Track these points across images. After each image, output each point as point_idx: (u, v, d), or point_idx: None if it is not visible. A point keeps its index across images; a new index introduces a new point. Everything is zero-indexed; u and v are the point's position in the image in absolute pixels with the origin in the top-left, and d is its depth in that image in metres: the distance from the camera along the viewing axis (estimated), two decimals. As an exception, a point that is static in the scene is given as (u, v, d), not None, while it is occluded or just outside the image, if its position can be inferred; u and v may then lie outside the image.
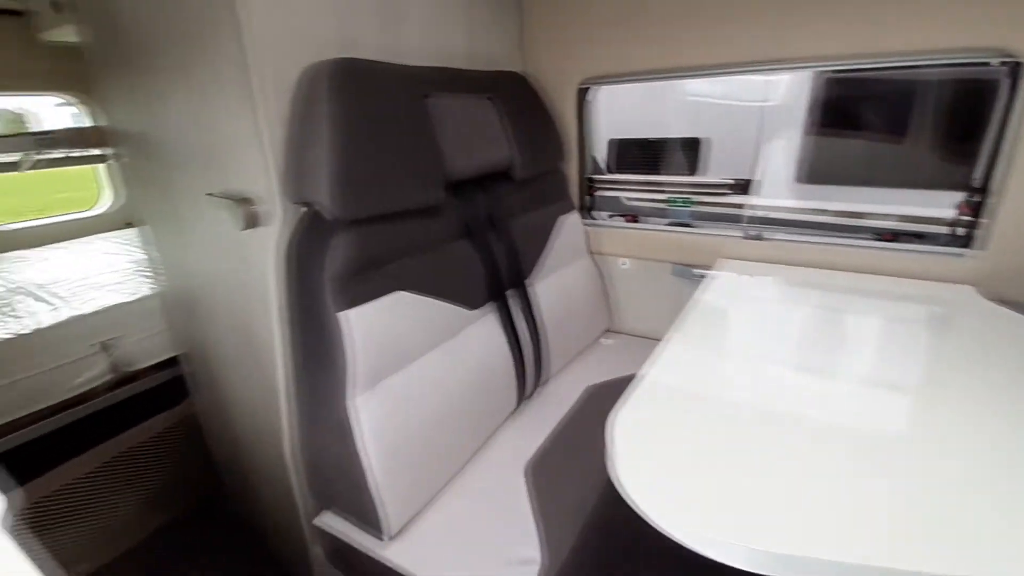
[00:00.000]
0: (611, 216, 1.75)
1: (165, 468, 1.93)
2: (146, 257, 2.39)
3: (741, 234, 1.52)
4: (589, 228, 1.73)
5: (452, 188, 1.15)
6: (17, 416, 1.60)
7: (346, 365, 0.96)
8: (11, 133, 1.57)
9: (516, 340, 1.33)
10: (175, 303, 1.60)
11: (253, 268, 1.12)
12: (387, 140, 0.97)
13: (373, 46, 1.07)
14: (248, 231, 1.05)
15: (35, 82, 2.80)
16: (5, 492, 0.66)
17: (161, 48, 1.09)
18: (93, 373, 1.77)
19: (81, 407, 1.74)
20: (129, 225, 3.24)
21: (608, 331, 1.83)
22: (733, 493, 0.62)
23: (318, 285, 0.94)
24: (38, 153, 1.48)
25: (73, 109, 3.20)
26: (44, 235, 2.92)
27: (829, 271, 1.38)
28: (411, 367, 1.09)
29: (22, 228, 2.91)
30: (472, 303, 1.24)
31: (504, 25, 1.45)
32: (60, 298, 1.95)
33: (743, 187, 1.70)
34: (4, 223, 2.86)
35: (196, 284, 1.40)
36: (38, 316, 1.78)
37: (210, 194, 1.10)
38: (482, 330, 1.28)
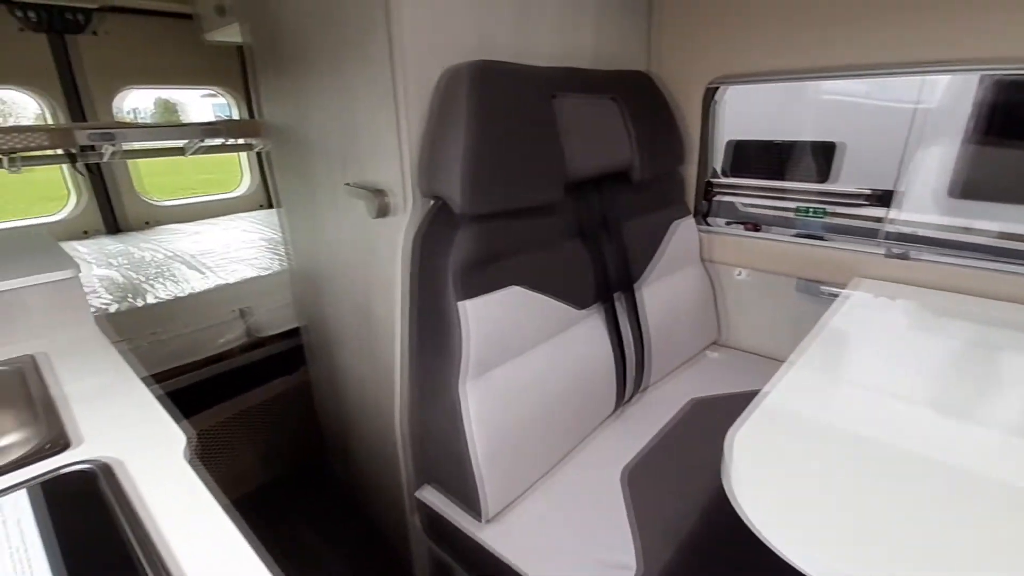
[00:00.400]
0: (729, 223, 1.67)
1: (279, 427, 2.14)
2: (277, 236, 2.67)
3: (883, 251, 1.38)
4: (704, 234, 1.66)
5: (569, 187, 1.16)
6: (170, 367, 1.86)
7: (461, 352, 1.01)
8: (179, 123, 1.79)
9: (620, 343, 1.32)
10: (301, 279, 1.76)
11: (380, 254, 1.21)
12: (515, 139, 1.00)
13: (506, 48, 1.10)
14: (379, 219, 1.14)
15: (197, 77, 3.22)
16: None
17: (315, 50, 1.20)
18: (232, 336, 2.00)
19: (220, 364, 1.99)
20: (262, 206, 3.63)
21: (715, 343, 1.75)
22: (867, 535, 0.58)
23: (442, 274, 1.00)
24: (201, 141, 1.69)
25: (215, 100, 3.63)
26: (195, 211, 3.35)
27: (984, 300, 1.21)
28: (518, 360, 1.12)
29: (177, 205, 3.35)
30: (580, 303, 1.25)
31: (632, 24, 1.43)
32: (208, 268, 2.22)
33: (882, 199, 1.55)
34: (164, 200, 3.32)
35: (323, 264, 1.53)
36: (191, 282, 2.05)
37: (348, 184, 1.20)
38: (588, 330, 1.28)
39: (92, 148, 1.67)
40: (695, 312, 1.61)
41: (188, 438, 0.76)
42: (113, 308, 1.77)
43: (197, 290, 1.94)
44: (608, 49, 1.35)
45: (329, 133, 1.25)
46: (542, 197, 1.08)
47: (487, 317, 1.03)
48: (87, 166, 2.76)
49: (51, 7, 2.54)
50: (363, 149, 1.14)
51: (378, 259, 1.22)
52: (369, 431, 1.51)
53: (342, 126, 1.19)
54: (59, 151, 2.23)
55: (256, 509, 2.01)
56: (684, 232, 1.57)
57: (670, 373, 1.55)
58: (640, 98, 1.34)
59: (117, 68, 2.82)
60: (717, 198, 1.68)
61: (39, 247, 1.26)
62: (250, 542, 0.56)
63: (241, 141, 2.44)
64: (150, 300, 1.85)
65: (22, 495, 0.64)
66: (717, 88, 1.50)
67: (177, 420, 0.80)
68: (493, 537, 1.05)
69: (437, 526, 1.20)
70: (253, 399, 2.07)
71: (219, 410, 1.99)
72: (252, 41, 1.51)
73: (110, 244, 2.71)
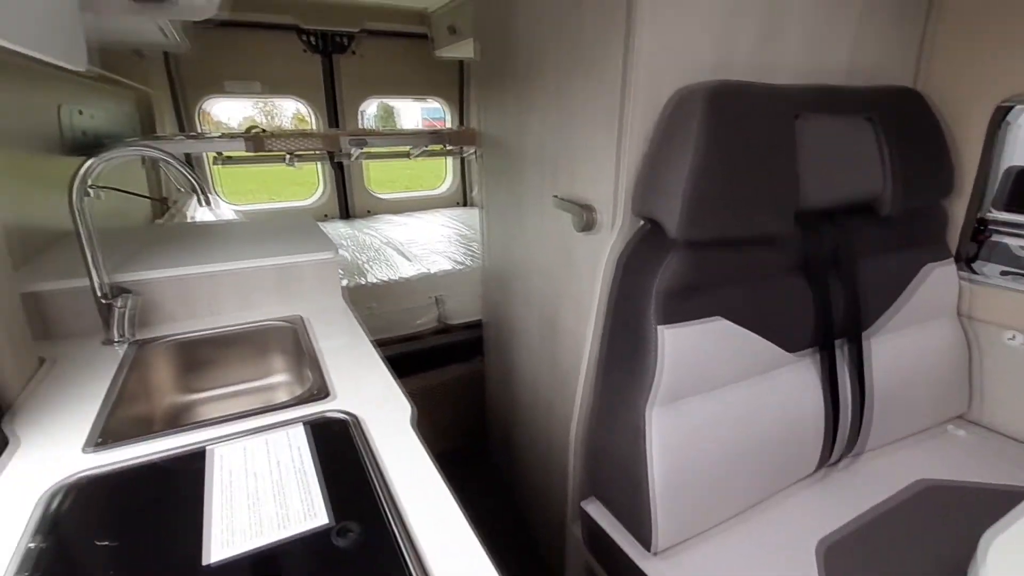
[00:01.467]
0: (1005, 273, 1.34)
1: (451, 408, 2.33)
2: (470, 233, 2.93)
3: None
4: (966, 283, 1.35)
5: (799, 217, 1.05)
6: (376, 338, 2.16)
7: (653, 376, 0.98)
8: (412, 131, 2.06)
9: (835, 397, 1.15)
10: (492, 277, 1.89)
11: (578, 267, 1.24)
12: (746, 164, 0.94)
13: (747, 65, 1.03)
14: (582, 234, 1.16)
15: (422, 87, 3.70)
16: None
17: (543, 65, 1.27)
18: (426, 319, 2.25)
19: (413, 343, 2.25)
20: (459, 204, 4.02)
21: (961, 418, 1.43)
22: None
23: (644, 296, 0.98)
24: (426, 146, 1.92)
25: (423, 104, 4.10)
26: (405, 204, 3.86)
27: None
28: (713, 394, 1.05)
29: (393, 198, 3.89)
30: (792, 345, 1.12)
31: (901, 35, 1.23)
32: (414, 256, 2.54)
33: None
34: (383, 193, 3.88)
35: (515, 267, 1.62)
36: (400, 268, 2.35)
37: (556, 196, 1.25)
38: (797, 376, 1.15)
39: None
40: (939, 376, 1.33)
41: (414, 412, 0.87)
42: (344, 282, 2.12)
43: (406, 276, 2.23)
44: (867, 63, 1.18)
45: (544, 145, 1.31)
46: (768, 228, 1.00)
47: (686, 346, 0.98)
48: (338, 164, 3.37)
49: (326, 32, 3.14)
50: (578, 163, 1.18)
51: (575, 272, 1.25)
52: (539, 431, 1.56)
53: (559, 139, 1.24)
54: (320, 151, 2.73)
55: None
56: (939, 278, 1.30)
57: (894, 443, 1.31)
58: (904, 119, 1.14)
59: (365, 81, 3.37)
60: (991, 239, 1.36)
61: (306, 228, 1.56)
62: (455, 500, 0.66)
63: (452, 147, 2.72)
64: (371, 280, 2.18)
65: (300, 428, 0.81)
66: (1011, 108, 1.21)
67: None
68: (659, 572, 1.01)
69: (598, 542, 1.19)
70: (434, 378, 2.29)
71: (405, 383, 2.25)
72: (479, 56, 1.66)
73: (342, 227, 3.25)
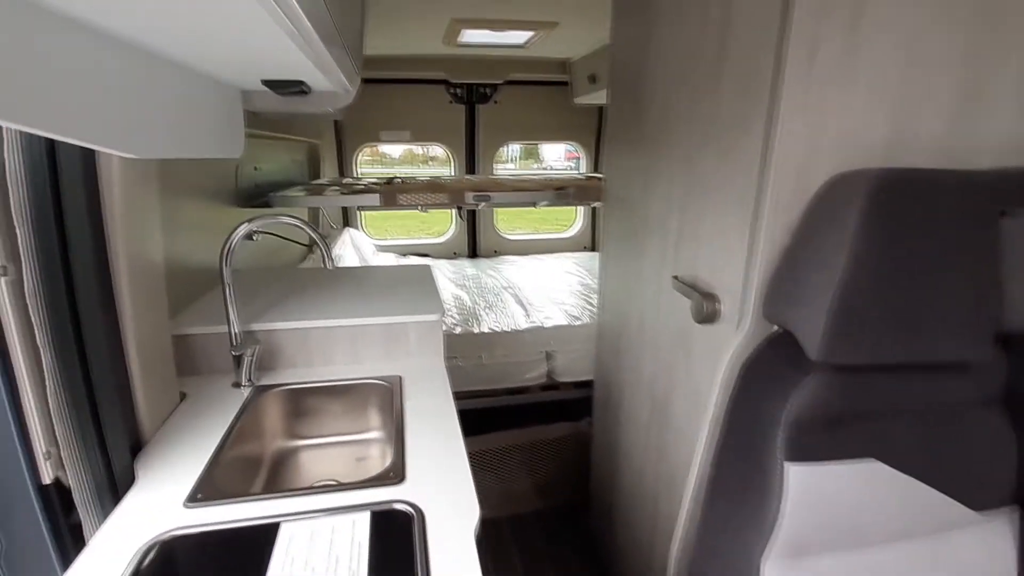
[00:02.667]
0: None
1: (554, 467, 2.23)
2: (594, 284, 2.84)
3: None
4: None
5: (1001, 340, 0.79)
6: (483, 388, 2.16)
7: (773, 522, 0.79)
8: (537, 183, 2.05)
9: (1046, 584, 0.84)
10: (605, 337, 1.77)
11: (694, 357, 1.09)
12: (924, 274, 0.73)
13: (933, 144, 0.82)
14: (703, 325, 1.02)
15: (559, 132, 3.75)
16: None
17: (671, 132, 1.16)
18: (535, 373, 2.20)
19: (521, 396, 2.21)
20: (586, 248, 3.96)
21: None
22: None
23: (769, 423, 0.81)
24: (548, 201, 1.90)
25: (562, 146, 4.12)
26: (530, 246, 3.90)
27: None
28: (856, 555, 0.82)
29: (519, 239, 3.95)
30: (978, 501, 0.84)
31: None
32: (530, 305, 2.51)
33: None
34: (509, 233, 3.97)
35: (629, 333, 1.50)
36: (515, 318, 2.34)
37: (676, 277, 1.12)
38: (982, 543, 0.86)
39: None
40: None
41: (480, 519, 0.80)
42: (457, 330, 2.16)
43: (519, 328, 2.20)
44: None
45: (668, 216, 1.19)
46: (953, 352, 0.76)
47: (822, 491, 0.78)
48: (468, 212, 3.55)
49: (471, 85, 3.34)
50: (703, 244, 1.04)
51: (691, 364, 1.10)
52: (642, 522, 1.40)
53: (685, 214, 1.11)
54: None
55: (519, 532, 2.14)
56: None
57: None
58: None
59: (504, 127, 3.51)
60: None
61: (422, 281, 1.61)
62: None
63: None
64: (484, 329, 2.19)
65: (367, 517, 0.80)
66: None
67: (473, 435, 0.88)
68: None
69: None
70: (539, 433, 2.22)
71: (512, 435, 2.20)
72: (610, 110, 1.60)
73: (468, 267, 3.37)
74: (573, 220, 4.02)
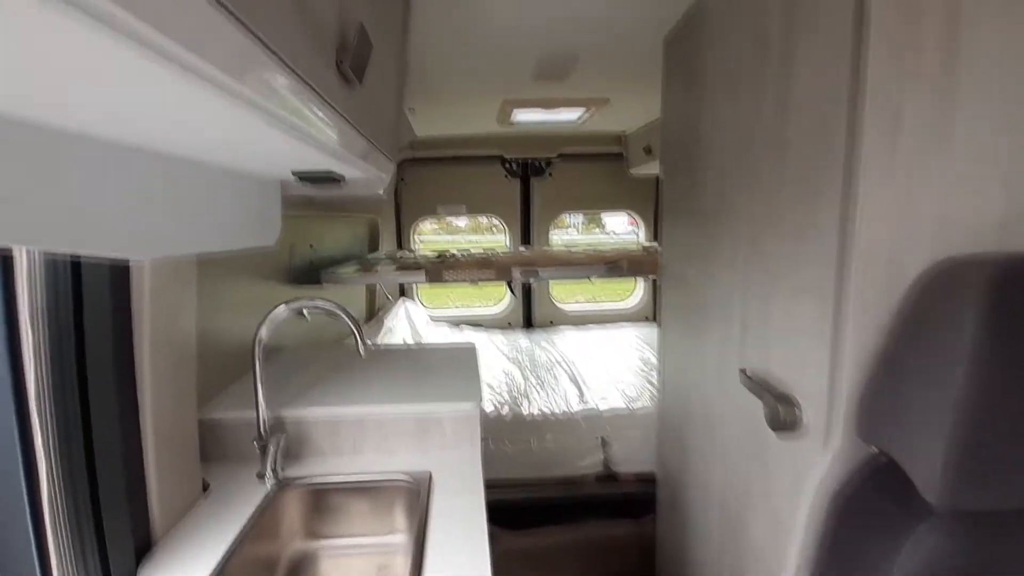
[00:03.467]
0: None
1: (613, 570, 1.96)
2: (655, 361, 2.64)
3: None
4: None
5: None
6: (530, 476, 1.98)
7: None
8: (589, 256, 1.96)
9: None
10: (667, 425, 1.58)
11: (773, 474, 0.90)
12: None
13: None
14: (780, 435, 0.84)
15: (615, 203, 3.69)
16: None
17: (731, 210, 1.05)
18: (589, 462, 1.99)
19: (572, 487, 2.00)
20: (648, 319, 3.76)
21: None
22: None
23: (873, 571, 0.62)
24: (607, 272, 1.79)
25: (622, 215, 4.04)
26: (588, 317, 3.75)
27: None
28: None
29: (576, 310, 3.83)
30: None
31: None
32: (584, 384, 2.34)
33: None
34: (566, 303, 3.86)
35: (693, 426, 1.31)
36: (567, 399, 2.18)
37: (744, 372, 0.96)
38: None
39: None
40: None
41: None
42: (505, 411, 2.03)
43: (571, 411, 2.04)
44: None
45: (731, 300, 1.05)
46: None
47: None
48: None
49: (527, 161, 3.40)
50: (773, 334, 0.89)
51: (768, 477, 0.91)
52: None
53: (749, 296, 0.97)
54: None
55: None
56: None
57: None
58: None
59: (558, 199, 3.51)
60: None
61: (464, 363, 1.53)
62: None
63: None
64: (533, 411, 2.04)
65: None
66: None
67: (519, 530, 0.73)
68: None
69: None
70: (595, 531, 1.98)
71: (561, 532, 1.98)
72: (665, 182, 1.52)
73: (522, 339, 3.27)
74: (632, 290, 3.86)
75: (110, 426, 0.80)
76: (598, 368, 2.55)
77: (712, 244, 1.15)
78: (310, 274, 1.92)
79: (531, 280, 1.81)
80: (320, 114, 0.54)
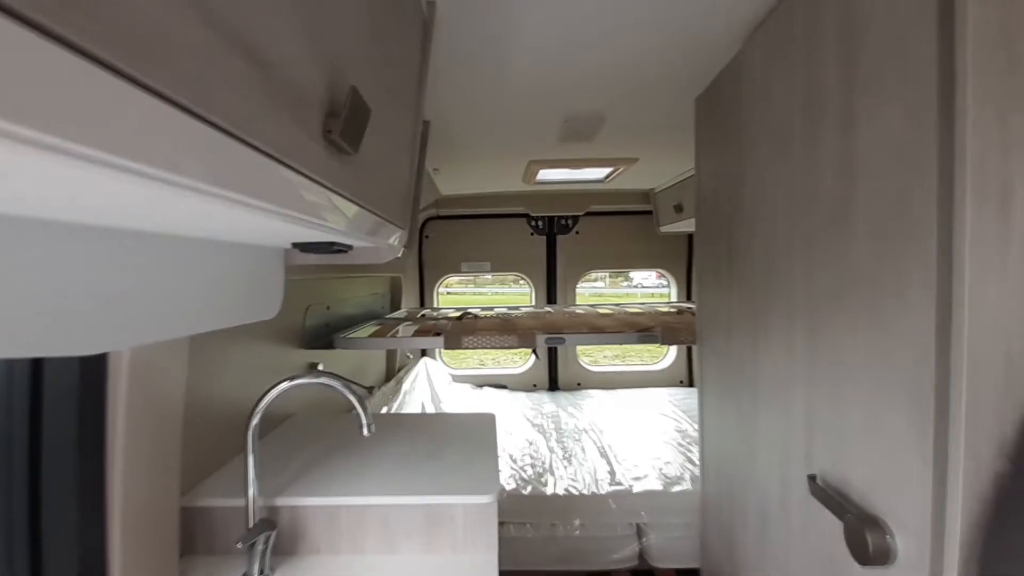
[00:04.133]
0: None
1: None
2: (692, 430, 2.43)
3: None
4: None
5: None
6: (554, 569, 1.76)
7: None
8: (620, 327, 1.83)
9: None
10: (711, 517, 1.39)
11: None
12: None
13: None
14: (867, 570, 0.67)
15: (645, 260, 3.57)
16: None
17: (783, 283, 0.92)
18: (624, 554, 1.77)
19: (603, 582, 1.77)
20: (682, 383, 3.54)
21: None
22: None
23: None
24: (639, 340, 1.65)
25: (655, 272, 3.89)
26: (618, 380, 3.55)
27: None
28: None
29: (604, 372, 3.64)
30: None
31: None
32: (614, 457, 2.14)
33: None
34: (594, 365, 3.68)
35: (745, 524, 1.13)
36: (596, 474, 1.98)
37: (815, 479, 0.79)
38: None
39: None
40: None
41: None
42: (527, 490, 1.85)
43: (600, 492, 1.84)
44: None
45: (791, 384, 0.90)
46: None
47: None
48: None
49: (552, 218, 3.35)
50: (853, 437, 0.74)
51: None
52: None
53: (816, 385, 0.82)
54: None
55: None
56: None
57: None
58: None
59: (585, 257, 3.42)
60: None
61: (481, 441, 1.38)
62: None
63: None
64: (558, 490, 1.85)
65: None
66: None
67: None
68: None
69: None
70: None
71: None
72: (701, 245, 1.41)
73: (547, 402, 3.09)
74: (664, 352, 3.67)
75: (65, 510, 0.69)
76: (629, 439, 2.35)
77: (759, 318, 1.02)
78: (325, 337, 1.84)
79: (556, 346, 1.68)
80: (308, 192, 0.46)
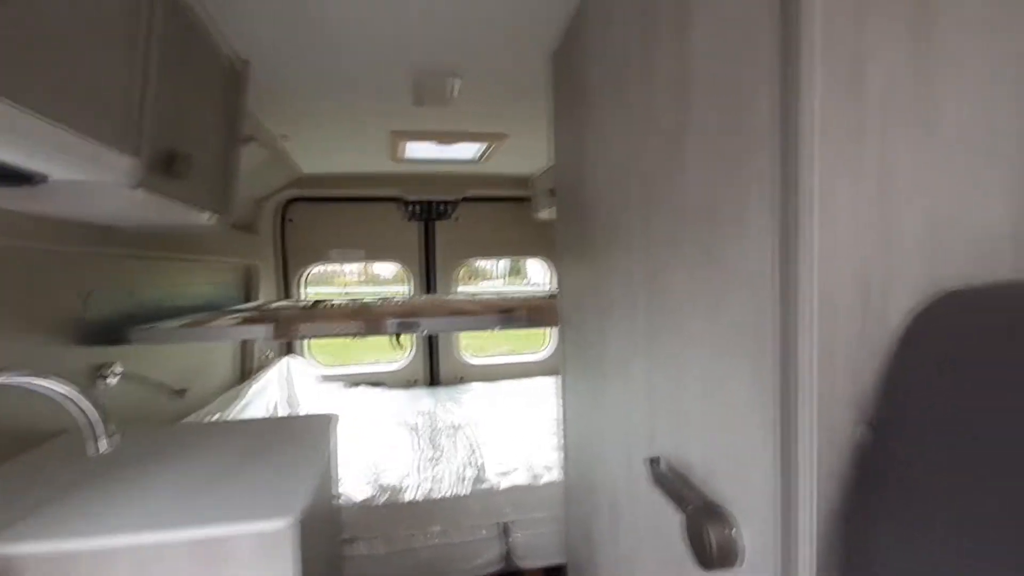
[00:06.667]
0: None
1: None
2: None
3: None
4: None
5: None
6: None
7: None
8: (483, 304, 1.68)
9: None
10: (572, 510, 1.27)
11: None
12: None
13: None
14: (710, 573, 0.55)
15: (525, 248, 3.49)
16: None
17: (626, 222, 0.81)
18: (488, 557, 1.62)
19: (468, 592, 1.61)
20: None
21: None
22: None
23: None
24: (502, 322, 1.50)
25: (536, 261, 3.84)
26: (499, 371, 3.43)
27: None
28: None
29: (486, 364, 3.50)
30: None
31: None
32: (486, 455, 1.98)
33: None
34: (475, 356, 3.53)
35: (600, 515, 1.01)
36: (465, 473, 1.81)
37: (654, 462, 0.67)
38: None
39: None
40: None
41: None
42: (383, 499, 1.62)
43: (461, 494, 1.67)
44: None
45: (631, 353, 0.79)
46: None
47: None
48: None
49: (429, 203, 3.13)
50: (694, 411, 0.62)
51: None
52: None
53: (652, 355, 0.71)
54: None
55: None
56: None
57: None
58: None
59: (463, 244, 3.26)
60: None
61: (311, 449, 1.14)
62: None
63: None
64: (416, 496, 1.65)
65: None
66: None
67: None
68: None
69: None
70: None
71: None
72: (560, 218, 1.30)
73: (424, 398, 2.88)
74: (545, 340, 3.62)
75: None
76: (504, 432, 2.21)
77: (604, 284, 0.90)
78: (118, 331, 1.46)
79: (411, 333, 1.48)
80: None
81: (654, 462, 0.67)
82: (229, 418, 1.84)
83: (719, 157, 0.52)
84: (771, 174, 0.43)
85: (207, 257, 2.16)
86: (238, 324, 1.45)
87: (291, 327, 1.39)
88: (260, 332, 1.39)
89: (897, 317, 0.40)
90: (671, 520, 0.64)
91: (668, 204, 0.63)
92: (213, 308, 2.09)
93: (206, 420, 1.83)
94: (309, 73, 1.47)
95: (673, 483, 0.62)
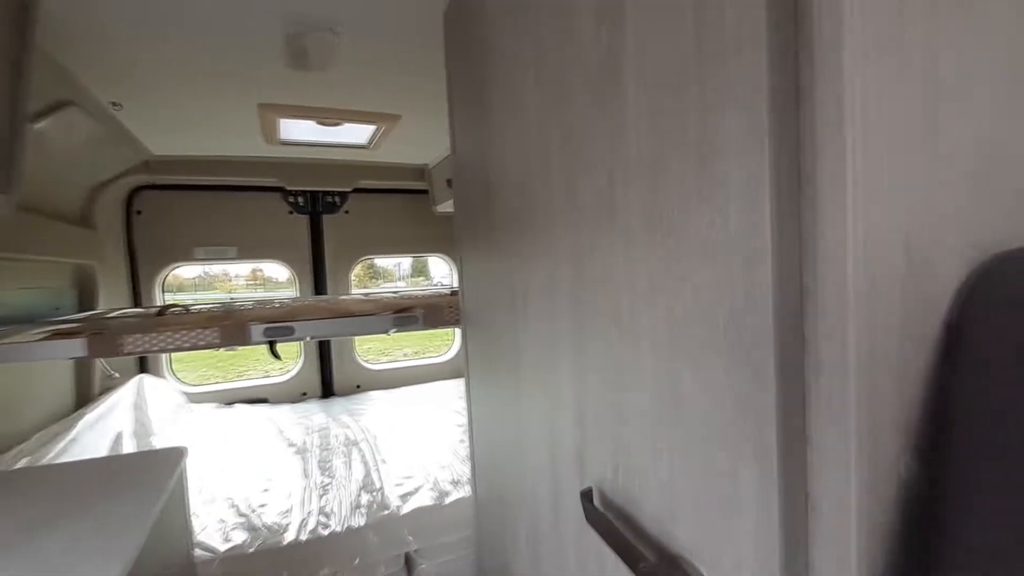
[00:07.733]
0: None
1: None
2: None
3: None
4: None
5: None
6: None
7: None
8: (375, 306, 1.47)
9: None
10: (483, 524, 1.12)
11: None
12: None
13: None
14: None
15: (426, 245, 3.26)
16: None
17: (548, 192, 0.66)
18: (389, 595, 1.41)
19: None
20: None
21: None
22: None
23: None
24: (390, 329, 1.30)
25: (436, 258, 3.63)
26: (402, 376, 3.16)
27: None
28: None
29: (386, 369, 3.21)
30: None
31: None
32: (384, 476, 1.74)
33: None
34: (375, 362, 3.24)
35: (519, 550, 0.86)
36: (360, 500, 1.57)
37: (587, 495, 0.53)
38: None
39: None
40: None
41: None
42: (257, 544, 1.34)
43: (355, 525, 1.43)
44: None
45: (552, 367, 0.64)
46: None
47: None
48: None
49: (316, 194, 2.80)
50: (637, 432, 0.48)
51: None
52: None
53: (586, 353, 0.56)
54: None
55: None
56: None
57: None
58: None
59: (358, 241, 2.96)
60: None
61: (146, 492, 0.86)
62: None
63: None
64: (302, 536, 1.38)
65: None
66: None
67: None
68: None
69: None
70: None
71: None
72: (458, 200, 1.13)
73: (317, 414, 2.56)
74: (452, 341, 3.43)
75: None
76: (406, 446, 1.99)
77: (516, 275, 0.75)
78: None
79: (283, 340, 1.23)
80: None
81: (587, 495, 0.52)
82: (44, 462, 1.44)
83: (676, 73, 0.38)
84: (768, 84, 0.30)
85: (17, 256, 1.70)
86: (43, 340, 1.09)
87: (115, 340, 1.07)
88: (71, 349, 1.06)
89: (945, 294, 0.28)
90: (616, 572, 0.49)
91: (601, 160, 0.48)
92: (26, 320, 1.65)
93: (15, 467, 1.42)
94: (143, 18, 1.16)
95: (613, 526, 0.47)
